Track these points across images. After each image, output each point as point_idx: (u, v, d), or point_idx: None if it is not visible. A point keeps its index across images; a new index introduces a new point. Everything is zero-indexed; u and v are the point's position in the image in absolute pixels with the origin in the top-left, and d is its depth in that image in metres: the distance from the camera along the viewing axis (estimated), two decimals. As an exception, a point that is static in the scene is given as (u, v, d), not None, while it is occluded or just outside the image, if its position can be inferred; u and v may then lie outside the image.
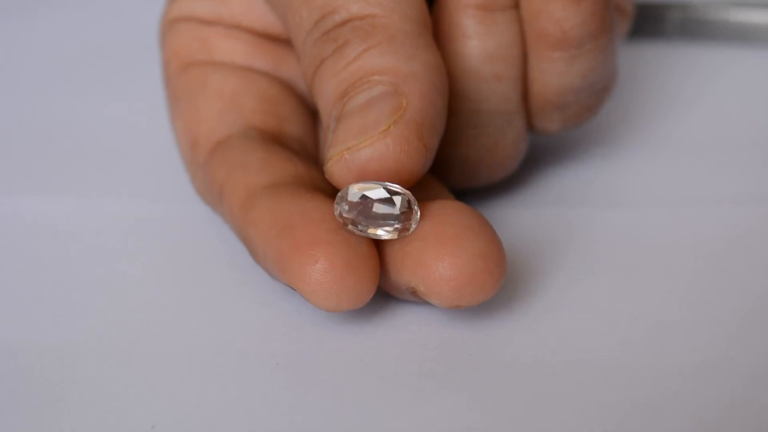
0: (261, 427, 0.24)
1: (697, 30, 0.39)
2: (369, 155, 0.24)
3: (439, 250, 0.24)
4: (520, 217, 0.31)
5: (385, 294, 0.27)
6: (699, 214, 0.30)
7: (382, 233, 0.25)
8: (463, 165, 0.29)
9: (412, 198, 0.25)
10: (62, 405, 0.25)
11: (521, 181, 0.32)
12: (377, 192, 0.25)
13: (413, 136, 0.24)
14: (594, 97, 0.29)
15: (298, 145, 0.29)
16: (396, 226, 0.25)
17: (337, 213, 0.25)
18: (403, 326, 0.26)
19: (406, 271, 0.25)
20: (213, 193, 0.29)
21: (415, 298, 0.26)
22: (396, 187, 0.25)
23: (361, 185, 0.25)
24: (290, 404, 0.24)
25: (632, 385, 0.24)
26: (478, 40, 0.27)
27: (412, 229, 0.25)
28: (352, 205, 0.25)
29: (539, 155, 0.33)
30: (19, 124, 0.37)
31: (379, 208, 0.25)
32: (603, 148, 0.34)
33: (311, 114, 0.31)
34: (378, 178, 0.25)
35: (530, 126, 0.30)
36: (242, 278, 0.29)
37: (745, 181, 0.32)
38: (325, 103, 0.26)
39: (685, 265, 0.28)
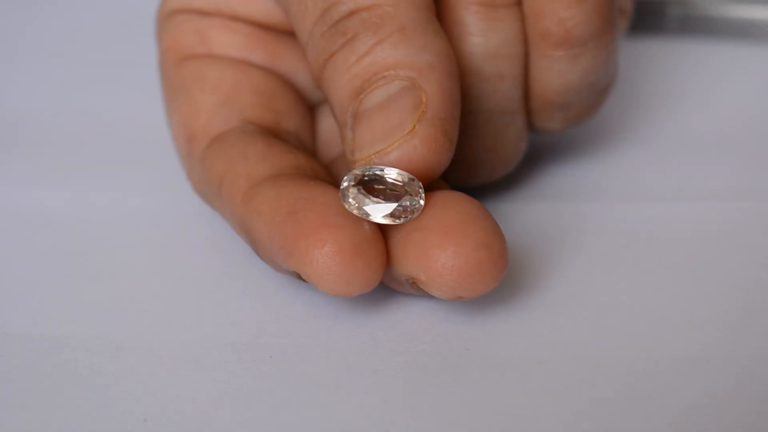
0: (253, 420, 0.24)
1: (697, 26, 0.40)
2: (397, 157, 0.24)
3: (442, 239, 0.24)
4: (518, 213, 0.31)
5: (381, 287, 0.27)
6: (699, 210, 0.30)
7: (386, 216, 0.25)
8: (463, 164, 0.29)
9: (419, 185, 0.25)
10: (54, 397, 0.25)
11: (520, 177, 0.32)
12: (384, 176, 0.24)
13: (439, 133, 0.24)
14: (595, 96, 0.29)
15: (296, 140, 0.29)
16: (400, 211, 0.25)
17: (342, 196, 0.25)
18: (398, 320, 0.26)
19: (407, 260, 0.25)
20: (211, 187, 0.28)
21: (414, 289, 0.26)
22: (404, 173, 0.24)
23: (368, 165, 0.25)
24: (283, 397, 0.24)
25: (629, 382, 0.24)
26: (481, 37, 0.27)
27: (415, 215, 0.25)
28: (359, 188, 0.24)
29: (538, 152, 0.33)
30: (13, 115, 0.37)
31: (385, 192, 0.24)
32: (601, 144, 0.34)
33: (308, 109, 0.30)
34: None
35: (531, 125, 0.29)
36: (235, 271, 0.28)
37: (745, 177, 0.32)
38: (338, 98, 0.25)
39: (684, 261, 0.28)
